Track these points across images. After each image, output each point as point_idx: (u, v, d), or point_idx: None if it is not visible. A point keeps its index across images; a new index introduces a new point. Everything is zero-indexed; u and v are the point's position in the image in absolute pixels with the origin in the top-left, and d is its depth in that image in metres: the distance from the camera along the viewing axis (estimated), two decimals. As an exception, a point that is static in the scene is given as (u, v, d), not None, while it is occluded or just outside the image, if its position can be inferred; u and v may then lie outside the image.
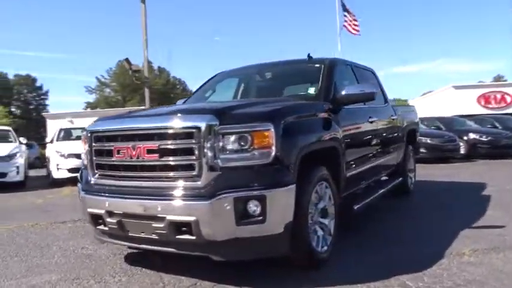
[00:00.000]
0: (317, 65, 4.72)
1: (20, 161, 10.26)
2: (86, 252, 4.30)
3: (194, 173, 3.08)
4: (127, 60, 18.81)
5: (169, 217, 3.05)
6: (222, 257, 3.14)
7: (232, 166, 3.04)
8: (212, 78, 5.51)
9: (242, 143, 3.05)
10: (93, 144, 3.59)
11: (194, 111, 3.33)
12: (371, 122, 4.94)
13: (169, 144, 3.16)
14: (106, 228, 3.48)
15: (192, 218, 2.98)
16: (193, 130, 3.08)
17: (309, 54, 4.92)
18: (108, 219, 3.37)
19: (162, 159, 3.19)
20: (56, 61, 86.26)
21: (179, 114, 3.30)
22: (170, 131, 3.17)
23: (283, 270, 3.53)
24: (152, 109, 3.76)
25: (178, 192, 3.09)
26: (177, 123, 3.18)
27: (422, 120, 17.10)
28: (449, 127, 14.85)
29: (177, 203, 3.05)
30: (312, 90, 4.43)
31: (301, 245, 3.34)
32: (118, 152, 3.38)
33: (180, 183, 3.12)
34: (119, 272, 3.67)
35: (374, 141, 5.03)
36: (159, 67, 65.96)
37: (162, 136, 3.19)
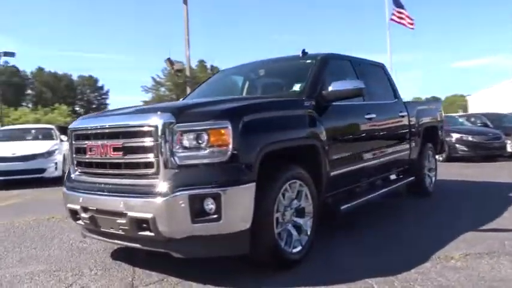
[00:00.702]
0: (308, 61, 4.62)
1: (59, 157, 10.85)
2: (81, 246, 4.48)
3: (153, 170, 3.13)
4: (169, 60, 19.37)
5: (130, 214, 3.12)
6: (182, 255, 3.17)
7: (188, 164, 3.06)
8: (214, 75, 5.56)
9: (199, 141, 3.06)
10: (73, 142, 3.75)
11: (154, 109, 3.38)
12: (369, 119, 4.75)
13: (131, 143, 3.23)
14: (83, 223, 3.62)
15: (149, 215, 3.03)
16: (152, 128, 3.13)
17: (303, 50, 4.82)
18: (83, 215, 3.50)
19: (126, 157, 3.27)
20: (115, 62, 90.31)
21: (140, 113, 3.37)
22: (131, 130, 3.25)
23: (249, 269, 3.50)
24: (125, 108, 3.84)
25: (138, 190, 3.15)
26: (137, 121, 3.25)
27: (469, 116, 16.27)
28: (497, 124, 13.97)
29: (137, 200, 3.11)
30: (297, 87, 4.34)
31: (266, 244, 3.29)
32: (90, 150, 3.51)
33: (141, 180, 3.19)
34: (98, 265, 3.79)
35: (373, 139, 4.84)
36: (212, 66, 67.34)
37: (125, 134, 3.28)
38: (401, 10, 24.23)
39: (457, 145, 12.13)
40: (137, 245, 3.35)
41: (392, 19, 24.74)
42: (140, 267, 3.68)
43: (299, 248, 3.58)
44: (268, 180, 3.30)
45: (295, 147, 3.65)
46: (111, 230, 3.37)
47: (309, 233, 3.69)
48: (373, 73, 5.57)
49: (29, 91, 65.25)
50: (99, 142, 3.43)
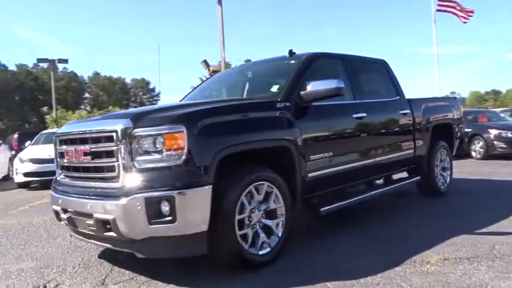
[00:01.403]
0: (293, 62, 4.59)
1: None
2: (78, 244, 4.71)
3: (114, 174, 3.27)
4: (205, 61, 19.74)
5: (96, 215, 3.28)
6: (144, 255, 3.29)
7: (146, 167, 3.16)
8: (210, 77, 5.66)
9: (156, 145, 3.16)
10: (57, 147, 3.98)
11: (116, 116, 3.51)
12: (359, 118, 4.65)
13: (97, 147, 3.40)
14: (64, 224, 3.84)
15: (110, 217, 3.17)
16: (112, 134, 3.27)
17: (290, 50, 4.79)
18: (63, 215, 3.72)
19: (93, 161, 3.44)
20: (165, 64, 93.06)
21: (106, 119, 3.53)
22: (96, 135, 3.41)
23: (215, 270, 3.56)
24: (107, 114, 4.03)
25: (103, 192, 3.31)
26: (101, 127, 3.41)
27: (512, 112, 15.33)
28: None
29: (101, 202, 3.27)
30: (275, 88, 4.32)
31: (226, 246, 3.34)
32: (67, 154, 3.72)
33: (105, 183, 3.34)
34: (82, 263, 3.99)
35: (363, 139, 4.73)
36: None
37: (92, 140, 3.45)
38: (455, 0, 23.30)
39: (495, 142, 11.48)
40: (108, 245, 3.51)
41: (438, 10, 23.90)
42: (119, 266, 3.84)
43: (267, 250, 3.60)
44: (229, 182, 3.34)
45: (262, 149, 3.66)
46: (85, 230, 3.56)
47: (280, 234, 3.70)
48: (370, 71, 5.44)
49: (87, 95, 68.80)
50: (73, 147, 3.62)
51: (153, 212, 3.08)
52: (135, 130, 3.18)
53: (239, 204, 3.39)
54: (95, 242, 3.66)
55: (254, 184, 3.51)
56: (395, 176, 5.80)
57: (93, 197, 3.35)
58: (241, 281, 3.34)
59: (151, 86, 71.25)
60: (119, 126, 3.25)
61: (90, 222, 3.35)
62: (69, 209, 3.63)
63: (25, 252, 4.54)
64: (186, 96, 5.47)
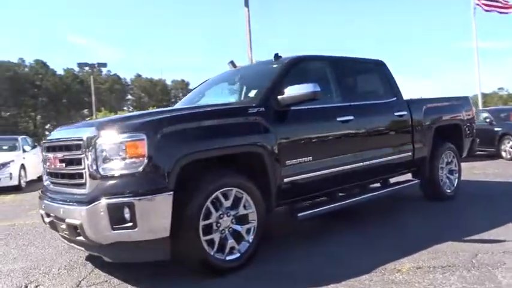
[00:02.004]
0: (275, 66, 4.58)
1: (14, 168, 11.70)
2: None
3: (82, 181, 3.40)
4: (232, 62, 19.88)
5: (67, 220, 3.43)
6: (110, 259, 3.41)
7: (110, 175, 3.27)
8: (203, 82, 5.75)
9: (118, 153, 3.26)
10: (43, 153, 4.17)
11: (87, 124, 3.64)
12: (344, 122, 4.57)
13: (68, 155, 3.55)
14: (48, 227, 4.03)
15: (78, 222, 3.31)
16: (80, 142, 3.41)
17: (276, 54, 4.78)
18: (46, 219, 3.90)
19: (66, 168, 3.60)
20: (205, 65, 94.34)
21: (78, 128, 3.67)
22: (68, 143, 3.57)
23: (186, 274, 3.62)
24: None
25: (73, 198, 3.45)
26: (71, 135, 3.56)
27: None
28: None
29: (70, 208, 3.41)
30: (252, 93, 4.33)
31: (190, 251, 3.40)
32: (49, 161, 3.90)
33: (75, 189, 3.49)
34: (68, 265, 4.16)
35: (349, 143, 4.64)
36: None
37: (65, 147, 3.61)
38: None
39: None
40: (82, 248, 3.66)
41: (478, 4, 23.04)
42: (100, 268, 3.97)
43: (237, 255, 3.62)
44: (193, 189, 3.40)
45: (230, 155, 3.69)
46: (64, 234, 3.73)
47: (250, 240, 3.71)
48: (365, 72, 5.33)
49: (129, 96, 70.96)
50: (52, 154, 3.80)
51: (116, 218, 3.18)
52: (99, 139, 3.30)
53: (204, 210, 3.43)
54: (73, 245, 3.82)
55: (221, 190, 3.54)
56: (396, 179, 5.67)
57: (66, 203, 3.50)
58: (208, 285, 3.40)
59: (190, 87, 72.61)
60: (85, 134, 3.38)
61: (63, 226, 3.50)
62: (50, 214, 3.80)
63: (24, 253, 4.78)
64: (181, 100, 5.57)
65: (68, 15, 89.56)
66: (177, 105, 5.49)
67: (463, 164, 6.56)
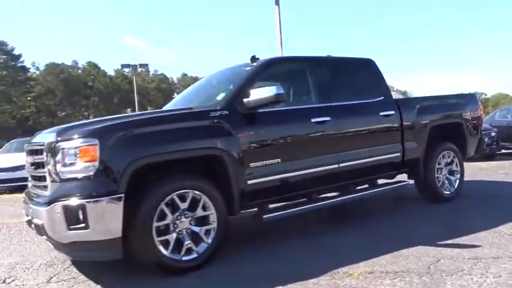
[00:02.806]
0: (247, 68, 4.62)
1: None
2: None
3: (45, 183, 3.62)
4: (253, 58, 19.91)
5: (34, 220, 3.67)
6: (71, 257, 3.67)
7: (67, 178, 3.46)
8: (196, 81, 5.87)
9: (74, 158, 3.44)
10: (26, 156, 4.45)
11: (52, 130, 3.84)
12: (320, 123, 4.54)
13: (36, 159, 3.79)
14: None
15: (40, 222, 3.54)
16: (43, 147, 3.63)
17: (253, 56, 4.82)
18: (25, 218, 4.18)
19: (35, 171, 3.84)
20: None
21: (45, 133, 3.90)
22: (36, 147, 3.80)
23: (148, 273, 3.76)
24: None
25: (39, 199, 3.68)
26: (38, 140, 3.79)
27: None
28: None
29: (35, 209, 3.64)
30: (220, 97, 4.39)
31: (144, 251, 3.54)
32: (27, 163, 4.17)
33: (41, 191, 3.71)
34: (49, 262, 4.34)
35: (324, 144, 4.60)
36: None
37: (35, 151, 3.85)
38: None
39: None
40: (52, 247, 3.89)
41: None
42: (75, 265, 4.17)
43: (194, 256, 3.72)
44: (146, 191, 3.53)
45: (188, 158, 3.79)
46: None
47: (209, 241, 3.80)
48: (348, 73, 5.23)
49: (175, 95, 72.81)
50: (28, 157, 4.06)
51: (71, 219, 3.36)
52: (58, 144, 3.50)
53: (158, 212, 3.55)
54: (50, 244, 4.06)
55: (177, 192, 3.65)
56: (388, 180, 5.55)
57: (34, 204, 3.73)
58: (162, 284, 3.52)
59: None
60: (47, 140, 3.60)
61: (33, 226, 3.75)
62: (27, 214, 4.07)
63: (20, 249, 5.11)
64: (167, 105, 5.73)
65: (123, 17, 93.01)
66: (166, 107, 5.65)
67: (489, 163, 6.32)
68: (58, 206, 3.38)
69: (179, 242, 3.68)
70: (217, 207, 3.83)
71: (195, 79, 71.93)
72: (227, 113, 4.04)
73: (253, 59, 4.80)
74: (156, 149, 3.59)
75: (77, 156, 3.42)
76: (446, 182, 5.87)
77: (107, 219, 3.37)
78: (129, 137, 3.53)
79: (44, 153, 3.60)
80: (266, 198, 4.30)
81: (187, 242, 3.70)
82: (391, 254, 3.81)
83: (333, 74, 4.99)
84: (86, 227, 3.34)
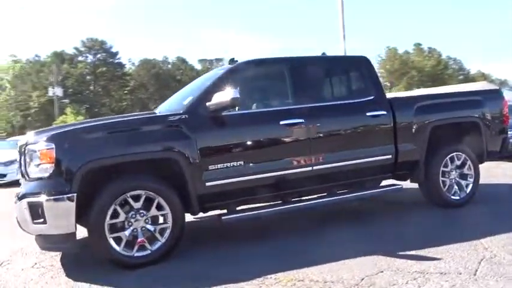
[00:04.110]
0: (221, 71, 4.72)
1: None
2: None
3: (22, 181, 4.09)
4: (232, 60, 19.45)
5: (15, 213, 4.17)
6: (41, 248, 4.06)
7: (32, 177, 3.89)
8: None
9: (37, 160, 3.85)
10: None
11: (28, 134, 4.27)
12: (290, 125, 4.50)
13: (18, 158, 4.27)
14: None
15: (15, 215, 4.02)
16: (21, 148, 4.10)
17: (231, 59, 4.90)
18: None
19: (18, 169, 4.33)
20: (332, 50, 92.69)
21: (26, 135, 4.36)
22: (19, 148, 4.27)
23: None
24: None
25: (17, 195, 4.16)
26: (19, 142, 4.27)
27: None
28: None
29: (15, 203, 4.12)
30: (186, 101, 4.52)
31: (99, 247, 3.86)
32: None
33: (20, 188, 4.19)
34: (37, 259, 4.65)
35: (294, 146, 4.55)
36: (429, 48, 62.66)
37: (18, 152, 4.33)
38: None
39: None
40: (35, 238, 4.37)
41: None
42: (61, 255, 4.62)
43: (146, 253, 3.96)
44: (99, 191, 3.84)
45: (141, 160, 4.02)
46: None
47: (163, 239, 4.01)
48: (334, 72, 5.09)
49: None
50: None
51: (33, 214, 3.78)
52: (27, 146, 3.94)
53: (111, 210, 3.84)
54: None
55: (130, 193, 3.91)
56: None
57: (16, 199, 4.23)
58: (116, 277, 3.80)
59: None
60: (21, 142, 4.06)
61: (16, 218, 4.25)
62: None
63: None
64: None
65: (213, 10, 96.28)
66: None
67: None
68: (24, 202, 3.82)
69: (132, 239, 3.94)
70: (173, 208, 4.02)
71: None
72: (186, 117, 4.19)
73: (232, 61, 4.87)
74: (105, 153, 3.88)
75: (39, 158, 3.82)
76: (456, 186, 5.44)
77: (61, 215, 3.73)
78: (82, 142, 3.87)
79: (21, 154, 4.07)
80: (229, 200, 4.39)
81: (140, 240, 3.95)
82: (335, 263, 3.70)
83: (314, 75, 4.91)
84: (44, 222, 3.74)
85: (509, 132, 6.02)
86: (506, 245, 3.89)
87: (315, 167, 4.61)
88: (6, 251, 4.88)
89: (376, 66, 60.90)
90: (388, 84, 58.79)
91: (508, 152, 6.02)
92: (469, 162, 5.51)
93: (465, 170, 5.51)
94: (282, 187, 4.56)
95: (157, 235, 4.00)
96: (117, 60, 60.73)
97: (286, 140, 4.55)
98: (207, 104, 4.25)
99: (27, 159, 3.92)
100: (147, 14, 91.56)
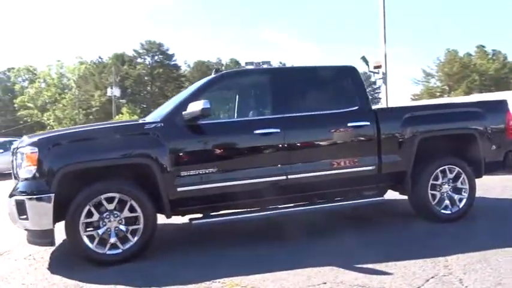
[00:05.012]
0: (202, 82, 4.93)
1: None
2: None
3: (15, 180, 4.53)
4: (363, 58, 19.20)
5: (8, 209, 4.63)
6: (29, 242, 4.46)
7: (21, 178, 4.31)
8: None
9: (25, 162, 4.26)
10: None
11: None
12: (264, 134, 4.63)
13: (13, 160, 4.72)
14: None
15: (7, 210, 4.47)
16: (13, 150, 4.54)
17: (216, 68, 5.10)
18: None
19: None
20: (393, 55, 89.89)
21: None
22: (13, 151, 4.72)
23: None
24: None
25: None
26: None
27: None
28: None
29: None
30: (165, 110, 4.77)
31: (74, 244, 4.21)
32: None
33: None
34: (33, 251, 5.07)
35: (267, 156, 4.69)
36: (493, 50, 59.25)
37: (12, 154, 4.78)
38: None
39: None
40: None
41: None
42: (55, 250, 5.04)
43: (118, 251, 4.25)
44: (75, 193, 4.18)
45: (116, 165, 4.32)
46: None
47: (134, 239, 4.28)
48: (317, 83, 5.12)
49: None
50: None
51: (19, 211, 4.19)
52: (18, 149, 4.37)
53: (86, 210, 4.17)
54: None
55: (105, 195, 4.22)
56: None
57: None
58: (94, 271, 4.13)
59: (372, 79, 70.85)
60: (13, 145, 4.49)
61: (12, 212, 4.71)
62: None
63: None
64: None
65: (265, 12, 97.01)
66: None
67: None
68: (13, 200, 4.24)
69: (104, 238, 4.24)
70: (144, 211, 4.29)
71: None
72: (162, 125, 4.45)
73: (216, 71, 5.07)
74: (82, 158, 4.22)
75: (25, 161, 4.23)
76: (447, 200, 5.30)
77: (40, 213, 4.11)
78: (62, 147, 4.24)
79: (13, 155, 4.51)
80: (201, 206, 4.59)
81: (113, 239, 4.25)
82: (287, 271, 3.79)
83: (296, 86, 4.99)
84: (27, 219, 4.13)
85: (513, 146, 5.73)
86: (469, 265, 3.79)
87: (290, 176, 4.70)
88: (12, 242, 5.38)
89: (434, 69, 58.80)
90: (447, 88, 56.32)
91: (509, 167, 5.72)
92: (463, 175, 5.33)
93: (459, 184, 5.35)
94: (255, 195, 4.69)
95: (129, 235, 4.29)
96: (173, 62, 62.89)
97: (260, 149, 4.69)
98: (183, 113, 4.48)
99: (18, 161, 4.34)
100: (203, 16, 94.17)
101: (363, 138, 5.02)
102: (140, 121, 4.68)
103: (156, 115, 5.01)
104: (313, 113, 4.94)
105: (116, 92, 44.48)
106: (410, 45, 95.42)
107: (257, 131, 4.64)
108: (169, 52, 62.32)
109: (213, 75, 4.94)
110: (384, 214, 5.94)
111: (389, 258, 3.99)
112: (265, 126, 4.67)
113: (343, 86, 5.20)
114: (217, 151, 4.58)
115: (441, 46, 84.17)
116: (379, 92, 69.83)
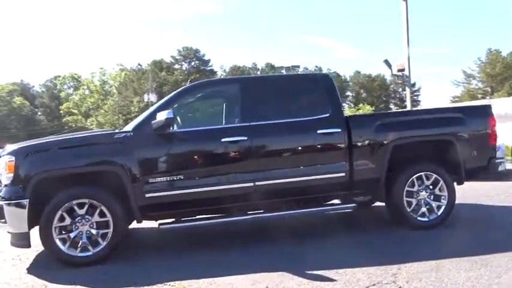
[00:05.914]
0: (174, 92, 5.14)
1: None
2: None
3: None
4: (386, 61, 18.85)
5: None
6: (11, 244, 4.80)
7: (3, 184, 4.67)
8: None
9: (5, 170, 4.61)
10: None
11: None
12: (232, 142, 4.77)
13: (-1, 168, 5.09)
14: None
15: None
16: (-1, 158, 4.92)
17: (191, 79, 5.30)
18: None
19: (4, 176, 5.17)
20: (424, 56, 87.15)
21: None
22: (-1, 159, 5.10)
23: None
24: None
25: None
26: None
27: None
28: None
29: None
30: (137, 121, 5.01)
31: (47, 246, 4.51)
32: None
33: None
34: (22, 252, 5.39)
35: (237, 163, 4.82)
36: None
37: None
38: None
39: None
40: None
41: None
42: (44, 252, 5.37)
43: (88, 253, 4.51)
44: (48, 198, 4.48)
45: (86, 173, 4.59)
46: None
47: (104, 242, 4.54)
48: (285, 91, 5.22)
49: (348, 93, 72.64)
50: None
51: (0, 215, 4.55)
52: (2, 158, 4.73)
53: (58, 215, 4.46)
54: None
55: (76, 201, 4.50)
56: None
57: None
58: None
59: (411, 81, 69.15)
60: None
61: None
62: None
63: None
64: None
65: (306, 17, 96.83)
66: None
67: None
68: (-5, 204, 4.60)
69: (76, 241, 4.51)
70: (114, 215, 4.53)
71: (369, 76, 70.72)
72: (131, 134, 4.69)
73: (190, 81, 5.28)
74: (54, 166, 4.53)
75: (5, 169, 4.57)
76: (424, 207, 5.23)
77: (16, 217, 4.45)
78: (36, 156, 4.57)
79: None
80: (169, 211, 4.79)
81: (84, 241, 4.51)
82: (236, 276, 3.92)
83: (266, 94, 5.10)
84: (5, 222, 4.48)
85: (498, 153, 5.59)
86: (418, 273, 3.77)
87: (257, 183, 4.82)
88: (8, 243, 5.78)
89: (475, 70, 56.54)
90: (489, 90, 54.12)
91: (496, 172, 5.57)
92: (441, 182, 5.25)
93: (437, 191, 5.27)
94: (222, 201, 4.84)
95: (99, 239, 4.54)
96: (209, 68, 63.98)
97: (227, 156, 4.83)
98: (152, 122, 4.71)
99: (1, 169, 4.70)
100: (240, 21, 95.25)
101: (332, 145, 5.06)
102: (113, 131, 4.95)
103: (130, 125, 5.27)
104: (281, 120, 5.03)
105: (152, 97, 45.76)
106: (450, 45, 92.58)
107: (224, 139, 4.79)
108: (206, 58, 63.53)
109: (187, 85, 5.15)
110: (361, 220, 5.94)
111: (344, 265, 4.03)
112: (232, 134, 4.81)
113: (316, 93, 5.25)
114: (185, 159, 4.78)
115: (482, 46, 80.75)
116: (419, 95, 68.37)
